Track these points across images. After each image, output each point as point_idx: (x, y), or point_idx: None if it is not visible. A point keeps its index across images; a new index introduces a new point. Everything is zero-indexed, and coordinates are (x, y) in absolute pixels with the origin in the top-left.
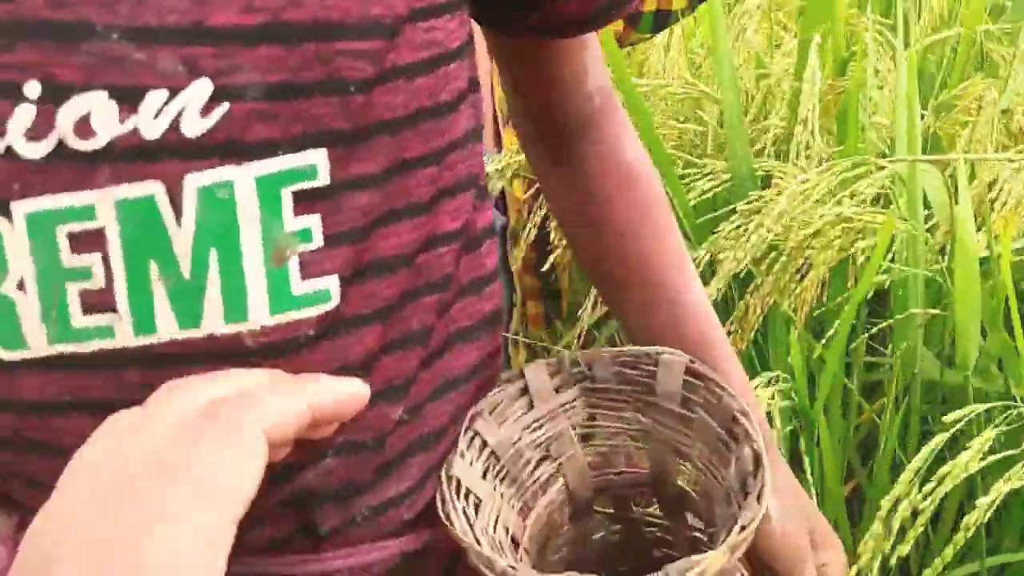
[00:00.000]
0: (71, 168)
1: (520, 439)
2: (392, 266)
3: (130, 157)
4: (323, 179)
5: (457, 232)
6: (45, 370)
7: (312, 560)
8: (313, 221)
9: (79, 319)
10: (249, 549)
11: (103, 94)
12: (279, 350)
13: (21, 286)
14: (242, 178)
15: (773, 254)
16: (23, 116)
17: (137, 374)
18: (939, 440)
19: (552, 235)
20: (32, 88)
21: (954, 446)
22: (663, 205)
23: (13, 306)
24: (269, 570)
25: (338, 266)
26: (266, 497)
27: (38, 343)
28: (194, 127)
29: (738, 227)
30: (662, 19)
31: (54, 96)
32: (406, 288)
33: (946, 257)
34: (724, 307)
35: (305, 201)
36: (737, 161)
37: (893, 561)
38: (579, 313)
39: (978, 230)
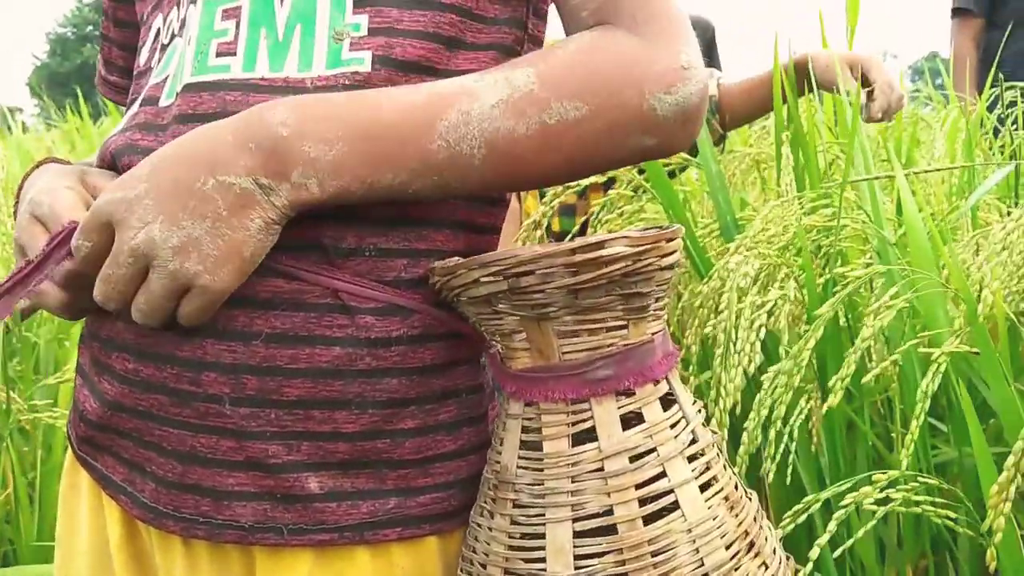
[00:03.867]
0: None
1: None
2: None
3: None
4: None
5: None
6: (183, 93)
7: (323, 274)
8: (362, 19)
9: (212, 60)
10: (274, 246)
11: None
12: (326, 89)
13: (189, 41)
14: None
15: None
16: None
17: (236, 96)
18: None
19: None
20: None
21: None
22: None
23: (183, 53)
24: (279, 267)
25: (372, 48)
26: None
27: (187, 74)
28: None
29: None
30: None
31: None
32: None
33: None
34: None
35: (359, 6)
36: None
37: None
38: None
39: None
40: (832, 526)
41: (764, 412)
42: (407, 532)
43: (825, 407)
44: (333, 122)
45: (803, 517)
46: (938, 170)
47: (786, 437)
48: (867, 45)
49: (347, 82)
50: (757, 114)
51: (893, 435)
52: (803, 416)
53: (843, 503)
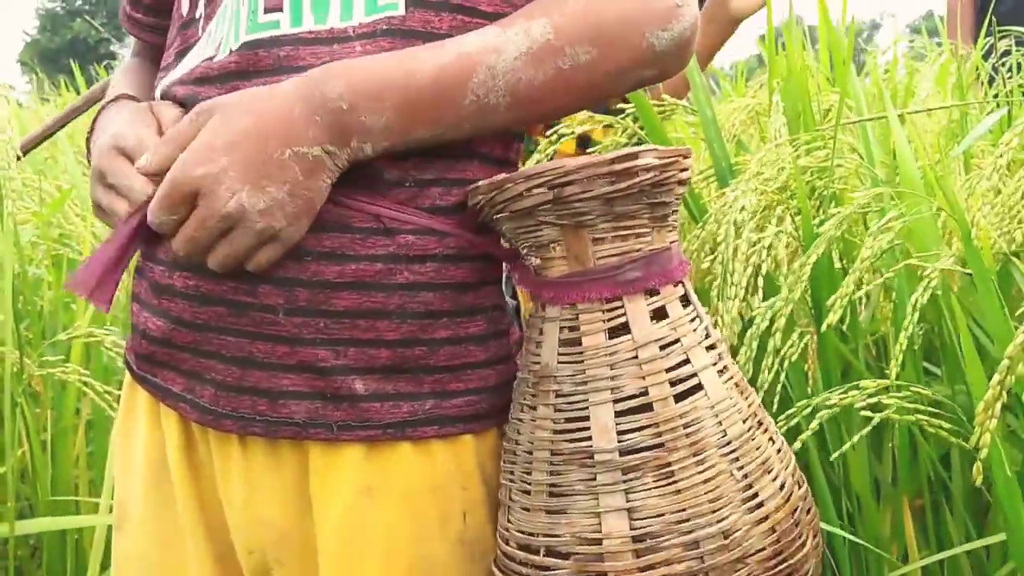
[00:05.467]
0: None
1: None
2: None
3: None
4: None
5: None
6: (240, 50)
7: (366, 202)
8: None
9: (262, 17)
10: None
11: None
12: (368, 36)
13: (242, 2)
14: None
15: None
16: None
17: (288, 50)
18: None
19: None
20: None
21: None
22: None
23: (237, 11)
24: (332, 197)
25: None
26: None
27: (243, 31)
28: None
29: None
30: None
31: None
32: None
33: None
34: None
35: None
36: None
37: None
38: None
39: None
40: (815, 424)
41: (755, 345)
42: (444, 430)
43: (825, 326)
44: (381, 93)
45: (794, 421)
46: (928, 110)
47: (783, 377)
48: (864, 6)
49: (385, 27)
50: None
51: (888, 375)
52: (797, 353)
53: (830, 403)
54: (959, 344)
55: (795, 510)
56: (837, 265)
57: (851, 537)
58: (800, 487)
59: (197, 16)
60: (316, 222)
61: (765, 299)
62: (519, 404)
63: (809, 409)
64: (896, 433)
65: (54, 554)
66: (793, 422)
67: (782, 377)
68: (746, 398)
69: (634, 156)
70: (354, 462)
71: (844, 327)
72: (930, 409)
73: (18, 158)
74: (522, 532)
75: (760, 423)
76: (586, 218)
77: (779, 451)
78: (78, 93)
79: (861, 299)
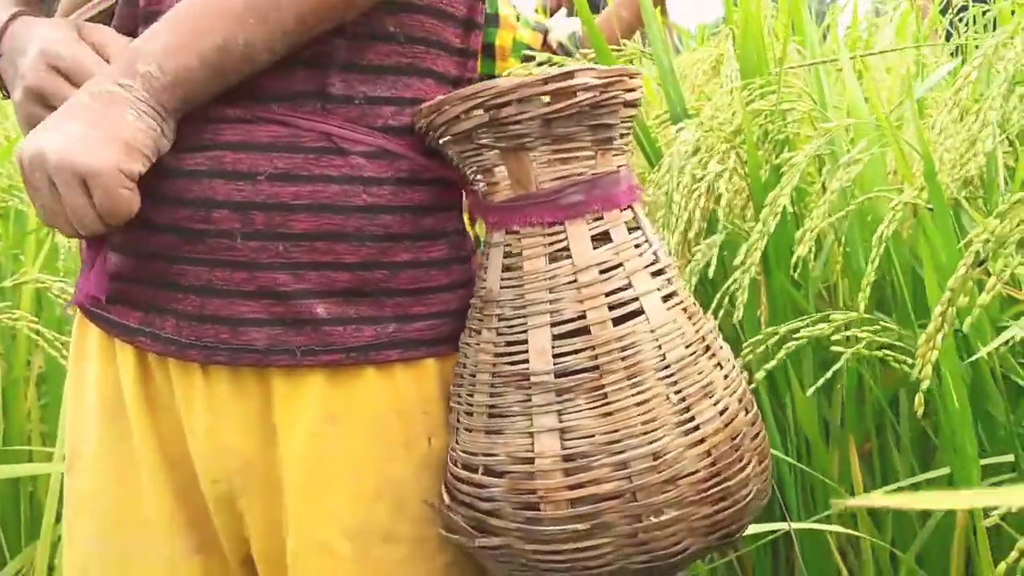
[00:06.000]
0: None
1: None
2: None
3: None
4: None
5: None
6: None
7: (316, 120)
8: None
9: None
10: (264, 97)
11: None
12: None
13: None
14: None
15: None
16: None
17: None
18: None
19: None
20: None
21: None
22: None
23: None
24: (275, 116)
25: None
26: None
27: None
28: None
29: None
30: None
31: None
32: None
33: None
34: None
35: None
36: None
37: None
38: None
39: None
40: (781, 354)
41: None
42: (407, 354)
43: (796, 257)
44: (159, 26)
45: (760, 349)
46: (882, 52)
47: (736, 318)
48: None
49: None
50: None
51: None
52: (745, 295)
53: (797, 336)
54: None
55: (737, 435)
56: (790, 210)
57: (799, 464)
58: (747, 412)
59: None
60: (265, 141)
61: (707, 237)
62: (468, 329)
63: (771, 341)
64: (845, 375)
65: (7, 505)
66: (759, 350)
67: (735, 319)
68: (694, 324)
69: (570, 75)
70: (317, 389)
71: (796, 275)
72: (894, 343)
73: None
74: (465, 452)
75: (707, 348)
76: (525, 140)
77: (726, 376)
78: None
79: (812, 248)
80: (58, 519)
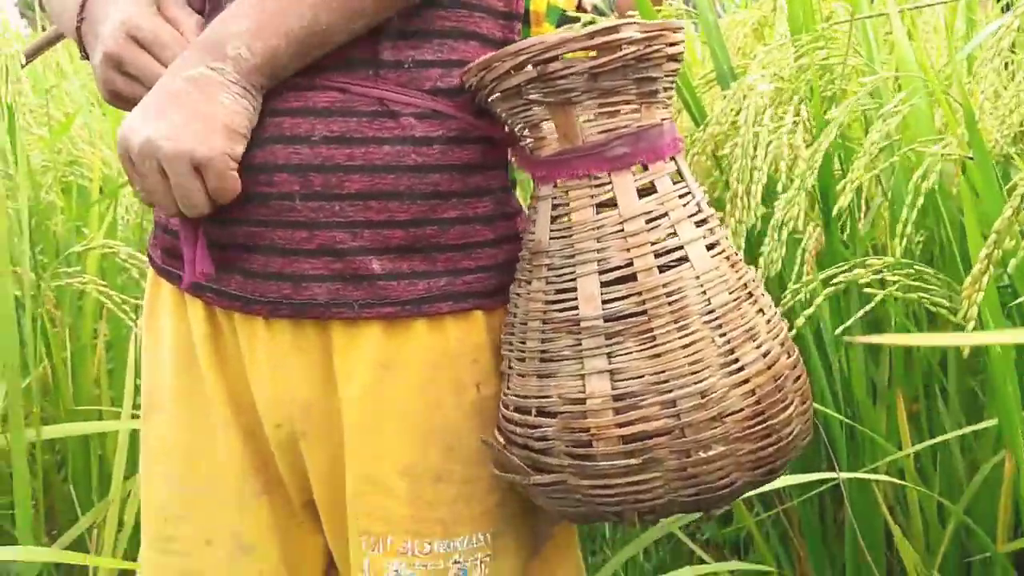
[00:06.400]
0: None
1: None
2: None
3: None
4: None
5: None
6: None
7: (369, 86)
8: None
9: None
10: (318, 67)
11: None
12: None
13: None
14: None
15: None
16: None
17: None
18: None
19: None
20: None
21: None
22: None
23: None
24: (332, 83)
25: None
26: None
27: None
28: None
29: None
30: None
31: None
32: None
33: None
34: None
35: None
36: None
37: None
38: None
39: None
40: (820, 300)
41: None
42: (457, 306)
43: (836, 209)
44: (241, 7)
45: (799, 295)
46: (930, 4)
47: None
48: None
49: None
50: None
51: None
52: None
53: (836, 281)
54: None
55: (780, 377)
56: (838, 168)
57: (848, 421)
58: (789, 356)
59: None
60: (323, 106)
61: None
62: (517, 280)
63: (809, 289)
64: (894, 330)
65: (78, 463)
66: (798, 297)
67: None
68: (736, 272)
69: (615, 29)
70: (373, 339)
71: (845, 236)
72: (931, 287)
73: (22, 66)
74: (518, 396)
75: (750, 295)
76: (572, 94)
77: (768, 322)
78: None
79: (860, 207)
80: (127, 477)
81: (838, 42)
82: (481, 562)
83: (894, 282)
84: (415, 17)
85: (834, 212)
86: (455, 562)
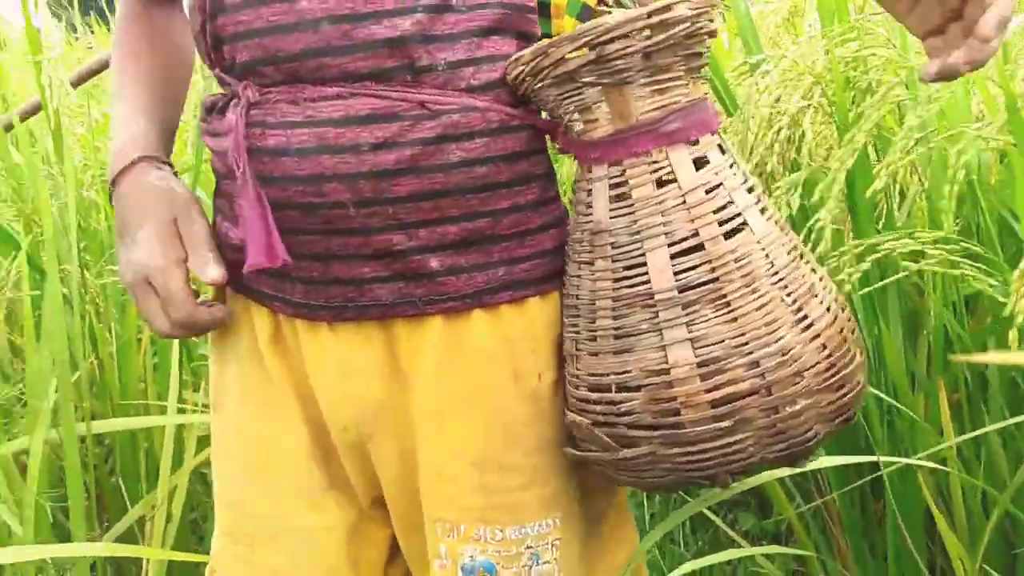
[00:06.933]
0: None
1: None
2: None
3: None
4: None
5: None
6: None
7: (408, 91)
8: None
9: None
10: (357, 76)
11: None
12: None
13: None
14: None
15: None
16: None
17: None
18: None
19: None
20: None
21: None
22: None
23: None
24: (370, 92)
25: None
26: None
27: None
28: None
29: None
30: None
31: None
32: None
33: None
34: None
35: None
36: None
37: None
38: None
39: None
40: (866, 265)
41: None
42: (517, 295)
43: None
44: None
45: (844, 258)
46: None
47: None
48: None
49: None
50: None
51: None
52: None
53: (882, 248)
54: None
55: (842, 328)
56: (873, 157)
57: (889, 401)
58: (844, 310)
59: None
60: (365, 114)
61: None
62: (574, 263)
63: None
64: (933, 320)
65: (127, 457)
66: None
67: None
68: (786, 233)
69: (668, 7)
70: (436, 332)
71: (880, 227)
72: (975, 264)
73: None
74: (592, 375)
75: (802, 255)
76: (627, 74)
77: (821, 279)
78: (110, 29)
79: (895, 197)
80: (172, 470)
81: (872, 33)
82: (552, 545)
83: (936, 257)
84: (438, 22)
85: (868, 192)
86: (528, 547)
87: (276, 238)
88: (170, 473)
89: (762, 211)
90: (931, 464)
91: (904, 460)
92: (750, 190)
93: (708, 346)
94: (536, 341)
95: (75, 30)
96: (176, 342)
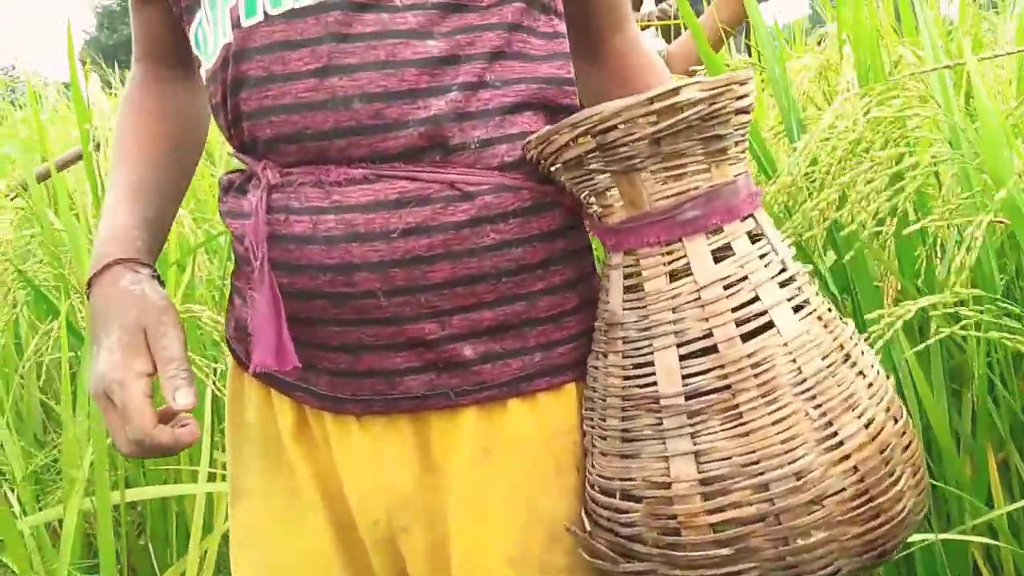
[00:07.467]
0: None
1: None
2: None
3: None
4: None
5: None
6: (286, 20)
7: (439, 171)
8: None
9: None
10: (385, 156)
11: None
12: (419, 8)
13: None
14: None
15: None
16: None
17: (336, 15)
18: None
19: None
20: None
21: None
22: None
23: None
24: (400, 173)
25: None
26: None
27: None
28: None
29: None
30: None
31: None
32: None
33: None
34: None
35: None
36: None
37: None
38: None
39: None
40: (897, 325)
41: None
42: (555, 380)
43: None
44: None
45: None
46: (1010, 53)
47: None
48: None
49: (435, 0)
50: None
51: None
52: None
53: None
54: None
55: (886, 447)
56: (912, 217)
57: (933, 482)
58: (896, 421)
59: None
60: (394, 198)
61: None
62: (594, 352)
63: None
64: (976, 382)
65: (157, 522)
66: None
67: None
68: (831, 332)
69: (675, 92)
70: (471, 423)
71: (919, 283)
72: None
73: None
74: (602, 477)
75: (847, 357)
76: (635, 161)
77: (869, 385)
78: None
79: (936, 252)
80: (203, 535)
81: (911, 90)
82: None
83: (973, 318)
84: (472, 99)
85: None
86: None
87: (287, 339)
88: (200, 538)
89: (797, 308)
90: (982, 540)
91: (956, 537)
92: (785, 283)
93: (712, 462)
94: (575, 431)
95: (109, 86)
96: (208, 403)
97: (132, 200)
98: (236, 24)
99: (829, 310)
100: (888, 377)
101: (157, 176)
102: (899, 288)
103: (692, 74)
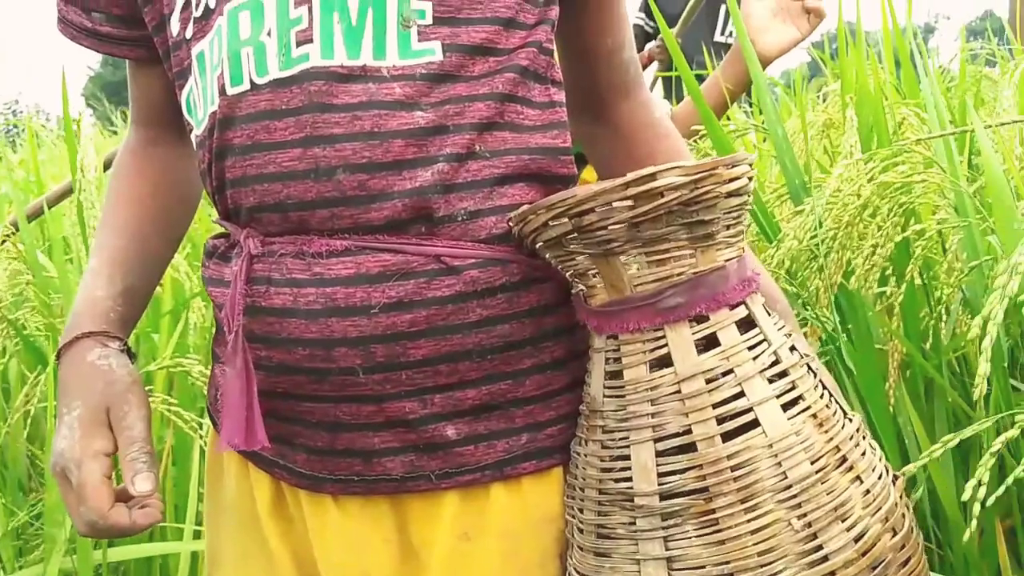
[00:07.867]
0: None
1: None
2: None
3: None
4: None
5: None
6: (272, 89)
7: (424, 244)
8: (427, 6)
9: (294, 51)
10: (369, 228)
11: None
12: (407, 78)
13: (269, 34)
14: None
15: (832, 233)
16: None
17: (320, 85)
18: None
19: None
20: None
21: None
22: (687, 153)
23: (264, 47)
24: (383, 245)
25: (441, 38)
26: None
27: (273, 69)
28: None
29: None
30: None
31: None
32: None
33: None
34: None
35: None
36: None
37: None
38: None
39: None
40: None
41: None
42: (542, 464)
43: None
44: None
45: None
46: (1016, 122)
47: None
48: (917, 7)
49: (423, 71)
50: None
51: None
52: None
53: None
54: None
55: (879, 563)
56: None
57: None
58: (895, 534)
59: (198, 37)
60: (376, 272)
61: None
62: (577, 437)
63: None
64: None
65: None
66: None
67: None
68: (825, 431)
69: (652, 177)
70: (451, 508)
71: (926, 345)
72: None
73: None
74: (577, 572)
75: (843, 460)
76: (613, 245)
77: (866, 492)
78: None
79: (941, 315)
80: None
81: (915, 153)
82: None
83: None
84: (460, 170)
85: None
86: None
87: (258, 418)
88: None
89: (788, 405)
90: None
91: None
92: (776, 377)
93: (684, 570)
94: (559, 519)
95: (111, 122)
96: (196, 461)
97: (113, 267)
98: (222, 91)
99: (828, 406)
100: (897, 479)
101: (141, 246)
102: (904, 351)
103: (694, 135)
